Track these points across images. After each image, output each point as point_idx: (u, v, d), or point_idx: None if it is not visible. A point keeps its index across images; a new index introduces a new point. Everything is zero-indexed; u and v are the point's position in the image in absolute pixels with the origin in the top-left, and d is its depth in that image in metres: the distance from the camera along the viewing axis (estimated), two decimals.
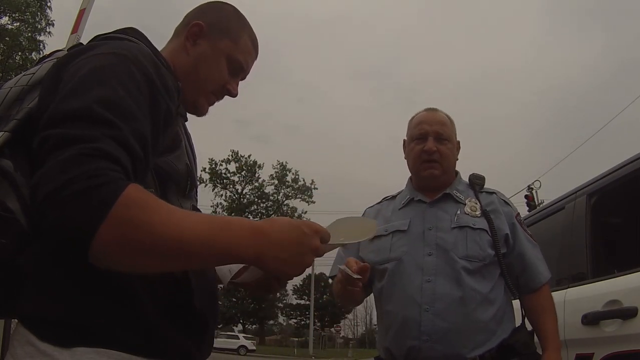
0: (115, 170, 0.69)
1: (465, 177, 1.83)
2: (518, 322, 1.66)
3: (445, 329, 1.53)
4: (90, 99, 0.73)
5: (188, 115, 1.04)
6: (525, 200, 18.28)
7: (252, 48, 1.07)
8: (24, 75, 0.88)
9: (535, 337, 1.65)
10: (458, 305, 1.55)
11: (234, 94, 1.06)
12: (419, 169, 1.75)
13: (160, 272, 0.76)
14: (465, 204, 1.70)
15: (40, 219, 0.67)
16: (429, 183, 1.77)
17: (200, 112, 1.05)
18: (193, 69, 1.00)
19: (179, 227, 0.70)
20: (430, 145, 1.70)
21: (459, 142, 1.83)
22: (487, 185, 1.80)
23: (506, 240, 1.66)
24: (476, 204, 1.70)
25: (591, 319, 1.83)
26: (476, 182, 1.78)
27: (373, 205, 1.92)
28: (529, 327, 1.66)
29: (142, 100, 0.79)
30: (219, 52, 1.01)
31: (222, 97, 1.07)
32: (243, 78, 1.08)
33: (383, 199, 1.92)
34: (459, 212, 1.68)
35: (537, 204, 17.10)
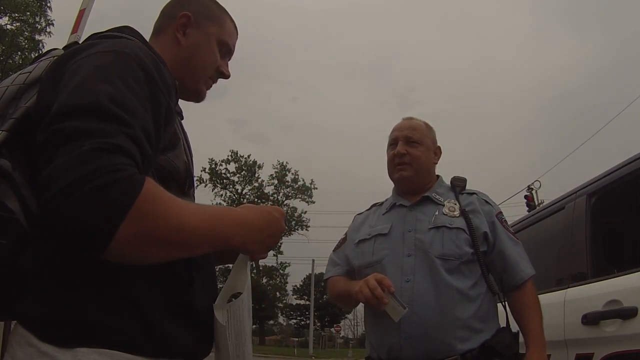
0: (131, 166, 0.70)
1: (473, 183, 1.87)
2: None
3: (424, 326, 1.56)
4: (100, 95, 0.73)
5: (184, 110, 1.06)
6: (525, 200, 18.29)
7: (234, 29, 1.13)
8: (20, 74, 0.88)
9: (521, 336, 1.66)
10: (436, 303, 1.58)
11: (227, 75, 1.12)
12: (392, 173, 1.85)
13: (162, 261, 0.78)
14: (444, 205, 1.75)
15: (51, 214, 0.66)
16: (402, 185, 1.85)
17: (201, 97, 1.10)
18: (189, 58, 1.04)
19: (188, 218, 0.75)
20: (399, 148, 1.80)
21: (439, 148, 1.90)
22: (486, 186, 1.84)
23: (486, 239, 1.69)
24: (455, 204, 1.75)
25: (591, 319, 1.82)
26: (457, 184, 1.84)
27: (362, 212, 1.99)
28: (516, 328, 1.68)
29: (144, 98, 0.79)
30: (210, 38, 1.06)
31: (217, 80, 1.12)
32: (230, 59, 1.14)
33: (372, 205, 1.99)
34: (437, 213, 1.74)
35: (537, 204, 17.11)
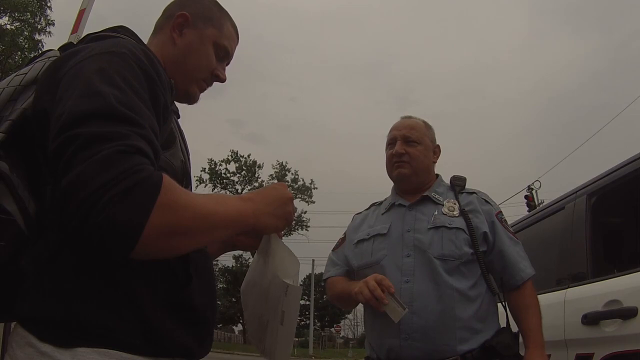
0: (148, 164, 0.71)
1: (473, 183, 1.86)
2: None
3: (424, 326, 1.56)
4: (108, 99, 0.73)
5: (180, 110, 1.06)
6: (525, 200, 18.27)
7: (234, 34, 1.11)
8: (15, 75, 0.88)
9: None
10: (436, 303, 1.58)
11: (222, 79, 1.10)
12: (390, 171, 1.84)
13: (186, 251, 0.80)
14: (443, 205, 1.74)
15: (80, 221, 0.66)
16: (401, 184, 1.84)
17: (192, 100, 1.09)
18: (182, 58, 1.03)
19: (204, 206, 0.77)
20: (398, 147, 1.79)
21: (438, 146, 1.89)
22: (486, 186, 1.83)
23: (485, 238, 1.69)
24: (454, 204, 1.74)
25: (591, 319, 1.82)
26: (457, 184, 1.83)
27: (361, 212, 1.98)
28: (515, 328, 1.68)
29: (146, 98, 0.80)
30: (206, 40, 1.05)
31: (211, 84, 1.11)
32: (228, 63, 1.13)
33: (371, 205, 1.98)
34: (436, 212, 1.73)
35: (537, 204, 17.09)
